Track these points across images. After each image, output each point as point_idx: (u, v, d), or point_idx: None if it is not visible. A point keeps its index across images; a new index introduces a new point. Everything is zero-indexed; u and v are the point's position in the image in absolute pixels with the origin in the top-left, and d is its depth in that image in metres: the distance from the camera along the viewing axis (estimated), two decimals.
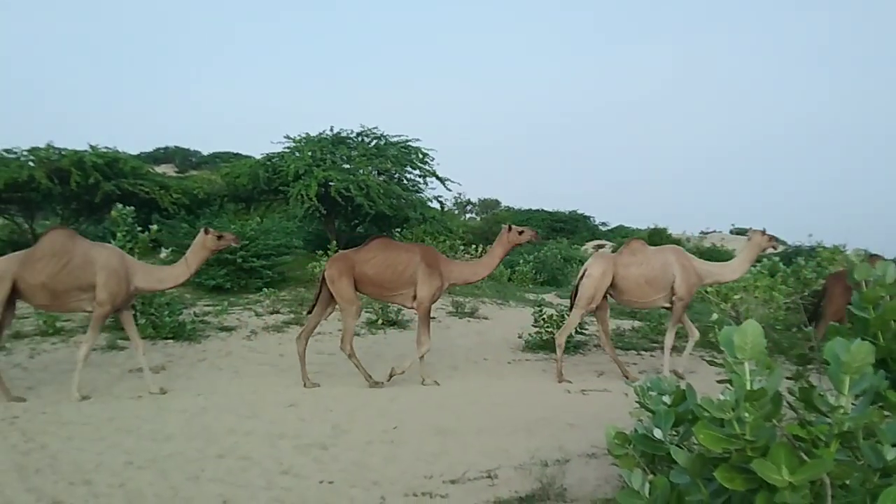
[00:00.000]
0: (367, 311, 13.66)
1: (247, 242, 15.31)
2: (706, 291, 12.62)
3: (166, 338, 11.11)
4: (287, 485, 5.40)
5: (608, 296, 9.70)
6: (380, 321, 13.13)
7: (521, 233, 9.50)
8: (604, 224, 53.07)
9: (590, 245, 39.06)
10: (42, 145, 18.25)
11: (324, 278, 9.12)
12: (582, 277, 9.61)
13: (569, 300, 10.14)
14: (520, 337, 11.74)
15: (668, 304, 9.62)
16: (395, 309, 13.51)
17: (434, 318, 14.19)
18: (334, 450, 6.32)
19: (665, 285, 9.47)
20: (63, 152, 17.89)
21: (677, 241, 31.71)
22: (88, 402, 8.03)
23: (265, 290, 14.38)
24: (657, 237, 30.38)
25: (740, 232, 65.33)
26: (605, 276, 9.44)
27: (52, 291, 8.11)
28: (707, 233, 53.73)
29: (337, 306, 9.25)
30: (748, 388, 2.66)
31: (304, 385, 8.91)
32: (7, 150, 18.54)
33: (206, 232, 8.82)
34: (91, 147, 18.73)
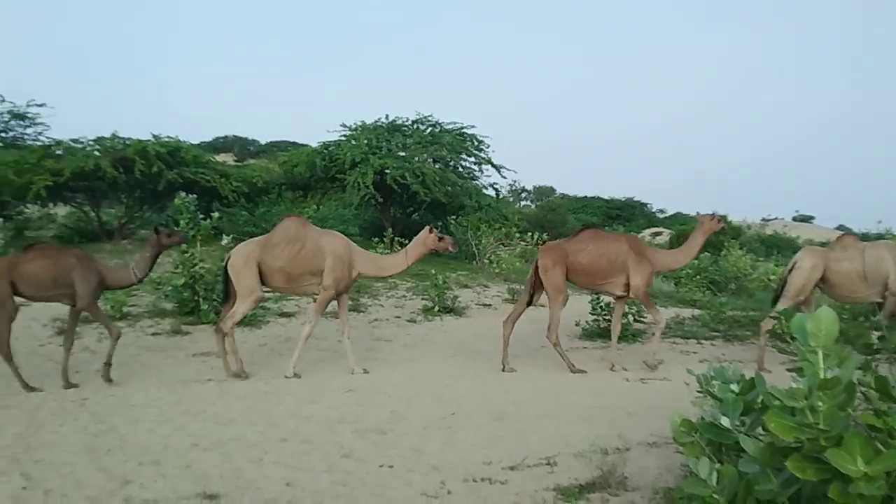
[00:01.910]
0: (423, 299, 13.75)
1: None
2: (769, 279, 12.36)
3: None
4: (348, 468, 5.46)
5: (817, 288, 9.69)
6: (436, 308, 13.17)
7: (717, 219, 9.92)
8: (661, 211, 52.41)
9: (647, 232, 38.59)
10: (107, 135, 18.72)
11: (536, 266, 9.28)
12: (791, 269, 9.61)
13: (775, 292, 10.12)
14: (577, 325, 11.67)
15: (880, 300, 9.45)
16: (452, 296, 13.56)
17: (490, 305, 14.24)
18: (392, 435, 6.37)
19: (878, 280, 9.32)
20: (127, 142, 18.34)
21: (737, 229, 31.10)
22: (154, 385, 8.24)
23: None
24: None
25: (804, 219, 63.91)
26: (815, 270, 9.41)
27: (288, 275, 8.72)
28: (769, 220, 52.64)
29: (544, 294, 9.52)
30: (821, 376, 2.59)
31: (503, 369, 9.16)
32: (74, 140, 19.10)
33: (430, 231, 9.20)
34: (154, 136, 19.16)
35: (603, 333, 11.14)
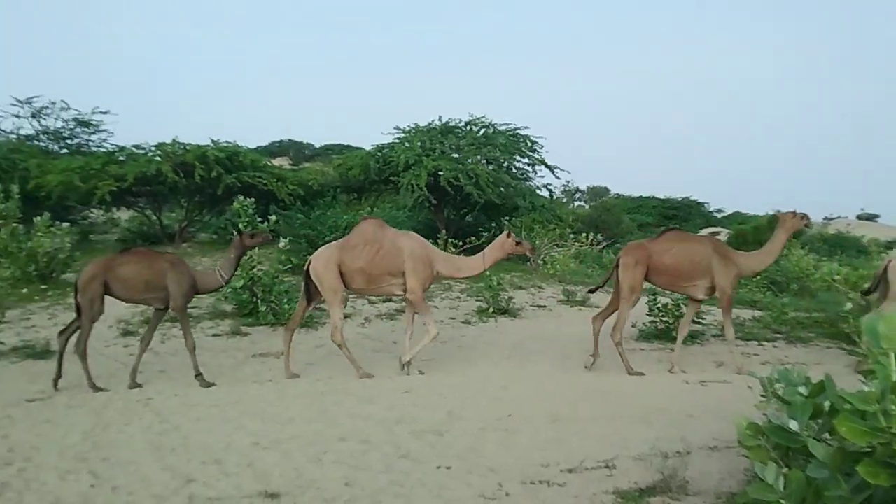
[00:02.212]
0: (477, 300, 13.74)
1: None
2: (833, 280, 12.04)
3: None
4: (405, 469, 5.49)
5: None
6: (491, 310, 13.15)
7: (800, 216, 9.61)
8: (719, 211, 51.44)
9: (704, 232, 37.94)
10: (168, 141, 19.16)
11: (617, 264, 9.30)
12: (885, 270, 9.32)
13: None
14: (633, 326, 11.52)
15: None
16: (506, 297, 13.51)
17: (544, 306, 14.16)
18: (449, 436, 6.37)
19: None
20: (187, 147, 18.73)
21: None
22: (216, 385, 8.40)
23: None
24: (776, 223, 29.13)
25: (869, 217, 62.00)
26: None
27: (368, 276, 8.85)
28: (831, 219, 51.21)
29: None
30: (894, 379, 2.51)
31: (628, 373, 9.07)
32: (136, 146, 19.61)
33: (508, 235, 9.25)
34: (213, 141, 19.54)
35: (660, 335, 10.98)
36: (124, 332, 10.90)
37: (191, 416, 7.02)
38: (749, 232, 27.22)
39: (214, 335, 10.99)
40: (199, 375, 8.50)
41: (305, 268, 9.11)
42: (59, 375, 8.22)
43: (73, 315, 8.55)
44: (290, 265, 14.64)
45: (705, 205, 50.05)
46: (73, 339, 8.40)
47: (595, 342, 9.39)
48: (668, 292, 10.60)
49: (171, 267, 8.51)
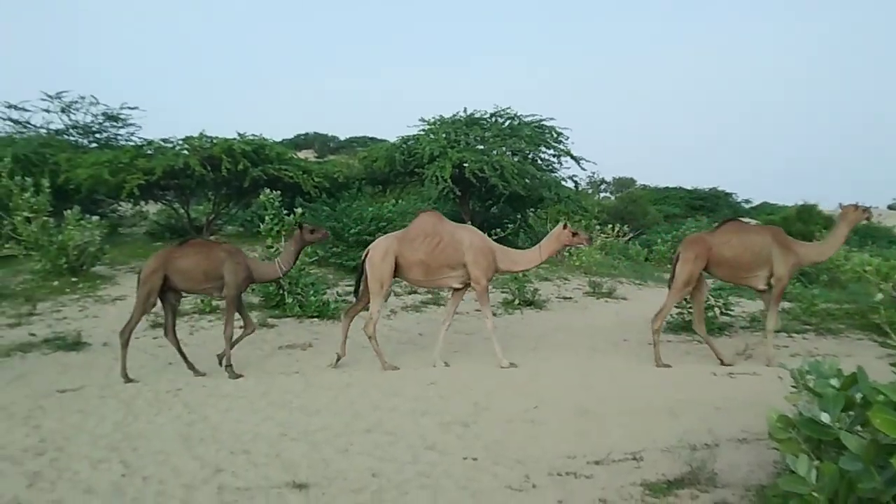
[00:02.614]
0: (503, 292, 13.73)
1: (384, 224, 15.69)
2: (864, 270, 11.88)
3: (312, 316, 11.57)
4: (432, 460, 5.50)
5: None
6: (516, 301, 13.13)
7: (862, 209, 9.41)
8: (747, 201, 50.81)
9: None
10: (195, 134, 19.28)
11: (678, 257, 9.26)
12: None
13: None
14: None
15: None
16: (532, 289, 13.49)
17: (570, 298, 14.12)
18: (476, 427, 6.37)
19: None
20: (214, 140, 18.82)
21: (828, 219, 29.95)
22: (242, 377, 8.47)
23: None
24: (806, 214, 28.72)
25: None
26: None
27: (427, 267, 8.94)
28: None
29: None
30: None
31: (657, 364, 9.01)
32: (164, 140, 19.73)
33: (565, 227, 9.25)
34: (239, 135, 19.62)
35: (687, 327, 10.89)
36: (153, 324, 11.01)
37: (219, 407, 7.08)
38: (778, 223, 26.90)
39: (241, 326, 11.05)
40: (228, 367, 8.59)
41: (363, 257, 9.18)
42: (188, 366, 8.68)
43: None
44: (316, 257, 14.72)
45: (733, 195, 49.48)
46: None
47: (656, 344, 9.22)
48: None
49: (227, 257, 8.69)
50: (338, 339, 9.24)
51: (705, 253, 9.02)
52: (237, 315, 8.89)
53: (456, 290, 9.26)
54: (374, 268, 8.90)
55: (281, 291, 11.95)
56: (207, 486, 4.97)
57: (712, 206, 44.57)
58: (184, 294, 9.26)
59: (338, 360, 9.02)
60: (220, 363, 8.75)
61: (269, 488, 4.92)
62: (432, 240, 8.89)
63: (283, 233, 12.26)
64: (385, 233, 15.23)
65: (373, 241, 14.86)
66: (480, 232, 9.36)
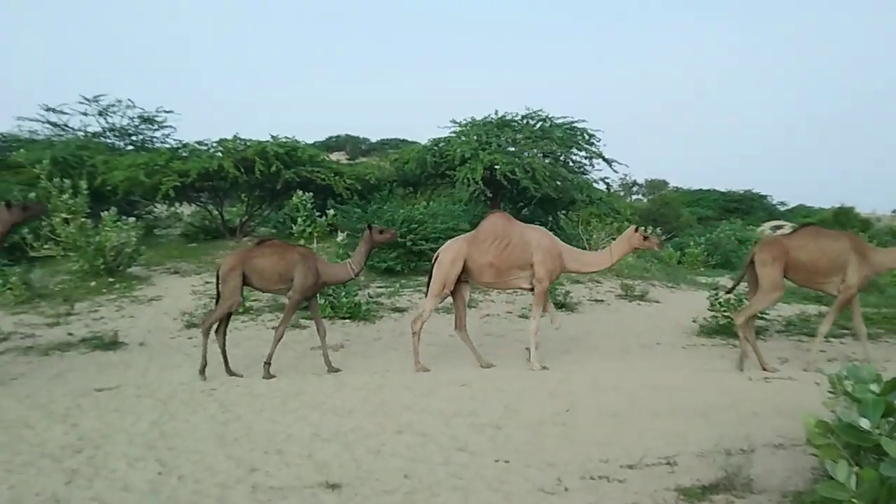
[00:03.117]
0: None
1: (416, 226, 15.72)
2: (894, 275, 11.67)
3: (343, 318, 11.62)
4: (464, 462, 5.50)
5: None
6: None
7: None
8: (782, 203, 50.10)
9: (767, 226, 37.10)
10: (229, 137, 19.50)
11: (752, 260, 9.19)
12: None
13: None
14: (694, 321, 11.34)
15: None
16: (563, 291, 13.43)
17: (602, 300, 14.04)
18: (507, 429, 6.37)
19: None
20: (248, 143, 19.01)
21: (866, 221, 29.51)
22: (275, 377, 8.54)
23: None
24: (843, 217, 28.23)
25: None
26: None
27: (497, 269, 8.99)
28: None
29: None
30: None
31: (763, 368, 8.90)
32: (199, 143, 19.99)
33: (636, 230, 9.25)
34: (272, 137, 19.80)
35: (722, 330, 10.78)
36: (188, 324, 11.16)
37: (253, 407, 7.16)
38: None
39: (274, 328, 11.12)
40: (267, 364, 8.70)
41: (433, 259, 9.26)
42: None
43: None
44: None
45: (768, 198, 48.88)
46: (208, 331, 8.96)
47: (753, 346, 9.15)
48: (730, 286, 10.39)
49: (300, 259, 8.84)
50: (470, 353, 9.27)
51: (783, 256, 8.90)
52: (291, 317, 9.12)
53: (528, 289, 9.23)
54: (440, 269, 8.97)
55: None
56: (242, 486, 5.02)
57: (747, 209, 44.05)
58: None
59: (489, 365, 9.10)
60: (266, 362, 8.85)
61: (303, 488, 4.96)
62: (501, 241, 8.91)
63: (316, 234, 12.35)
64: (415, 235, 15.33)
65: (404, 243, 15.06)
66: (550, 233, 9.36)
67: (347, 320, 11.60)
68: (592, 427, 6.40)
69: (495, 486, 4.98)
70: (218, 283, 8.92)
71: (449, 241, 9.39)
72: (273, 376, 8.61)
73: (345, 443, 5.99)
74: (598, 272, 9.78)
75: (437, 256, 9.15)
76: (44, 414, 6.88)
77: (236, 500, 4.79)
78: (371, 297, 13.01)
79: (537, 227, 9.61)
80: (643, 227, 18.28)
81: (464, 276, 9.13)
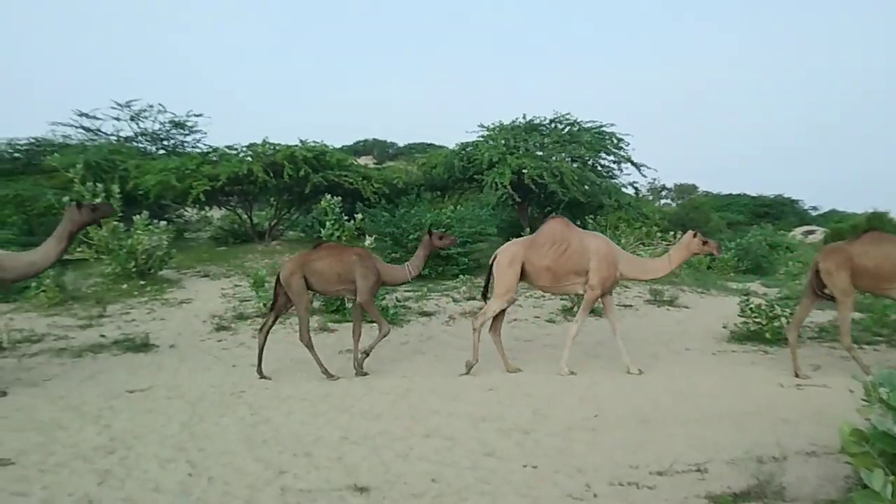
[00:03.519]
0: (562, 299, 13.64)
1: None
2: None
3: (371, 322, 11.62)
4: (492, 466, 5.49)
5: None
6: (575, 308, 13.01)
7: None
8: (814, 208, 49.51)
9: (798, 231, 36.63)
10: (258, 141, 19.68)
11: (816, 269, 9.05)
12: None
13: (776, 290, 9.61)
14: (724, 327, 11.22)
15: None
16: None
17: (630, 305, 13.94)
18: (536, 434, 6.34)
19: None
20: (277, 147, 19.19)
21: None
22: (305, 380, 8.59)
23: (461, 276, 14.70)
24: (877, 222, 27.76)
25: None
26: None
27: (554, 274, 8.97)
28: None
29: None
30: None
31: (796, 374, 8.79)
32: (229, 147, 20.20)
33: (695, 235, 9.20)
34: (301, 141, 19.96)
35: (753, 336, 10.65)
36: (218, 326, 11.26)
37: (282, 410, 7.20)
38: (847, 231, 26.14)
39: (325, 330, 11.24)
40: (365, 354, 8.92)
41: (490, 262, 9.28)
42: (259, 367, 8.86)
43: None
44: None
45: (799, 202, 48.36)
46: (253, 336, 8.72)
47: (793, 352, 9.01)
48: (762, 293, 10.26)
49: (359, 260, 8.93)
50: (499, 355, 9.24)
51: (846, 263, 8.72)
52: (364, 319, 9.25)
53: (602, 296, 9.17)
54: (500, 272, 8.98)
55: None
56: (271, 488, 5.05)
57: (778, 214, 43.60)
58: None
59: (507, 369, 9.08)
60: (359, 363, 8.95)
61: (331, 491, 4.98)
62: (560, 246, 8.89)
63: (344, 238, 12.39)
64: None
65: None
66: (609, 240, 9.31)
67: (375, 324, 11.61)
68: (621, 433, 6.36)
69: (523, 492, 4.96)
70: (276, 288, 9.08)
71: (506, 244, 9.38)
72: (366, 373, 8.81)
73: (373, 446, 6.00)
74: (658, 278, 9.63)
75: (495, 258, 9.16)
76: (77, 415, 6.97)
77: (265, 502, 4.82)
78: (398, 301, 13.04)
79: (596, 233, 9.56)
80: (650, 228, 18.05)
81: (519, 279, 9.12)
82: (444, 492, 4.98)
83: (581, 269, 8.89)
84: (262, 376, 8.72)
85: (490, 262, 9.26)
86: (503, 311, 9.30)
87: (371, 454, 5.79)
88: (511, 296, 9.01)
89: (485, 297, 9.41)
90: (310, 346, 8.80)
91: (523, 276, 9.02)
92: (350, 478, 5.21)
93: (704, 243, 9.04)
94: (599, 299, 9.15)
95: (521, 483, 5.14)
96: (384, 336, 9.00)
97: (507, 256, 8.99)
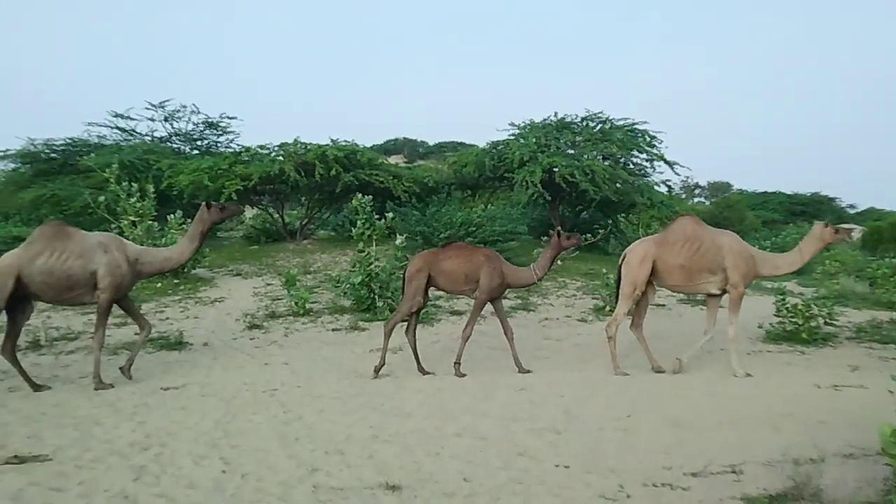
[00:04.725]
0: (593, 298, 13.57)
1: (474, 229, 15.72)
2: None
3: (402, 321, 11.64)
4: (524, 466, 5.46)
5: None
6: (607, 308, 12.94)
7: None
8: (852, 206, 48.64)
9: None
10: (290, 141, 19.82)
11: None
12: None
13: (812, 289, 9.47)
14: (760, 327, 11.07)
15: None
16: None
17: (663, 305, 13.81)
18: (567, 434, 6.30)
19: None
20: (308, 147, 19.30)
21: None
22: (336, 378, 8.62)
23: None
24: None
25: None
26: None
27: (688, 272, 8.94)
28: None
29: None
30: None
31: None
32: (261, 147, 20.38)
33: (826, 225, 9.11)
34: (332, 141, 20.06)
35: (789, 337, 10.50)
36: (250, 325, 11.35)
37: (314, 408, 7.23)
38: (885, 229, 25.65)
39: (334, 329, 11.29)
40: (458, 364, 8.90)
41: (619, 262, 9.27)
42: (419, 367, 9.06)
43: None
44: (406, 262, 14.86)
45: (837, 200, 47.55)
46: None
47: None
48: (798, 292, 10.11)
49: (486, 261, 8.96)
50: (644, 350, 9.28)
51: None
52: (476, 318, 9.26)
53: (712, 295, 9.15)
54: (630, 271, 8.96)
55: (372, 295, 12.11)
56: (303, 485, 5.07)
57: (814, 212, 42.90)
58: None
59: (677, 367, 9.04)
60: (456, 362, 8.99)
61: (363, 489, 4.98)
62: (692, 244, 8.83)
63: (375, 237, 12.43)
64: (474, 237, 15.33)
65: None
66: (738, 237, 9.23)
67: (406, 323, 11.61)
68: (654, 434, 6.29)
69: (556, 492, 4.93)
70: (404, 284, 9.14)
71: (635, 243, 9.35)
72: (464, 375, 8.78)
73: (404, 445, 6.00)
74: (790, 273, 9.50)
75: (624, 258, 9.14)
76: (112, 411, 7.07)
77: (298, 499, 4.84)
78: (429, 300, 13.04)
79: (727, 231, 9.43)
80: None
81: (650, 278, 9.07)
82: (476, 491, 4.96)
83: (715, 267, 8.80)
84: (426, 372, 8.92)
85: (619, 263, 9.22)
86: (644, 307, 9.29)
87: (402, 452, 5.79)
88: (638, 293, 8.95)
89: (617, 298, 9.33)
90: (387, 335, 8.99)
91: (653, 274, 8.98)
92: (381, 476, 5.22)
93: (836, 232, 8.89)
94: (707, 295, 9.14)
95: (554, 483, 5.10)
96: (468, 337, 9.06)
97: (638, 255, 8.95)
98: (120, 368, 8.52)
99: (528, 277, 9.20)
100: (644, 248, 8.99)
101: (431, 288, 9.16)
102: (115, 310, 11.97)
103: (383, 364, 8.85)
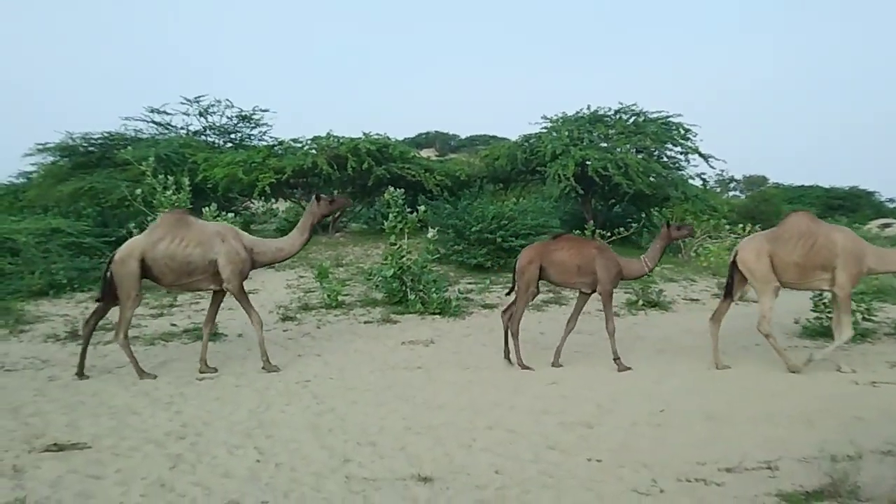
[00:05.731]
0: (625, 292, 13.47)
1: (506, 223, 15.69)
2: None
3: (433, 313, 11.69)
4: (555, 460, 5.46)
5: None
6: (640, 302, 12.85)
7: None
8: (891, 200, 47.76)
9: (874, 224, 35.35)
10: (323, 134, 19.93)
11: None
12: None
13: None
14: (796, 322, 10.92)
15: None
16: (656, 290, 13.18)
17: (697, 300, 13.69)
18: (599, 429, 6.28)
19: None
20: (341, 140, 19.40)
21: None
22: (368, 370, 8.65)
23: None
24: None
25: None
26: None
27: (802, 269, 8.79)
28: None
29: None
30: None
31: None
32: (294, 140, 20.52)
33: None
34: (364, 134, 20.12)
35: (826, 332, 10.33)
36: (283, 317, 11.44)
37: (346, 399, 7.28)
38: None
39: (366, 322, 11.35)
40: (617, 360, 8.80)
41: (731, 259, 9.19)
42: (506, 354, 9.15)
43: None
44: (438, 255, 14.87)
45: (876, 194, 46.69)
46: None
47: None
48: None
49: (599, 253, 8.95)
50: (713, 346, 9.10)
51: None
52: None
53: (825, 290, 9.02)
54: (751, 269, 8.80)
55: (404, 288, 12.16)
56: (336, 476, 5.12)
57: (853, 206, 42.20)
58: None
59: (719, 366, 8.90)
60: (615, 357, 8.87)
61: (395, 480, 5.02)
62: (807, 241, 8.66)
63: (407, 230, 12.46)
64: (506, 231, 15.30)
65: (494, 239, 15.07)
66: (854, 233, 9.06)
67: (437, 316, 11.67)
68: (688, 429, 6.25)
69: (587, 486, 4.92)
70: (514, 276, 9.13)
71: (745, 240, 9.24)
72: (628, 368, 8.70)
73: (436, 437, 6.03)
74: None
75: (735, 255, 9.00)
76: (149, 401, 7.18)
77: (331, 489, 4.88)
78: (461, 293, 13.06)
79: (842, 227, 9.27)
80: (718, 221, 17.66)
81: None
82: (507, 484, 4.97)
83: (828, 265, 8.62)
84: (525, 367, 8.83)
85: (731, 259, 9.12)
86: (729, 305, 9.22)
87: (434, 445, 5.82)
88: (774, 285, 8.74)
89: (727, 295, 9.24)
90: (515, 335, 8.95)
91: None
92: (413, 467, 5.25)
93: None
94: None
95: (586, 477, 5.09)
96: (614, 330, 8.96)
97: (753, 252, 8.79)
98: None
99: (640, 269, 9.13)
100: (757, 244, 8.82)
101: (541, 281, 9.09)
102: (152, 301, 12.20)
103: (509, 351, 9.02)
